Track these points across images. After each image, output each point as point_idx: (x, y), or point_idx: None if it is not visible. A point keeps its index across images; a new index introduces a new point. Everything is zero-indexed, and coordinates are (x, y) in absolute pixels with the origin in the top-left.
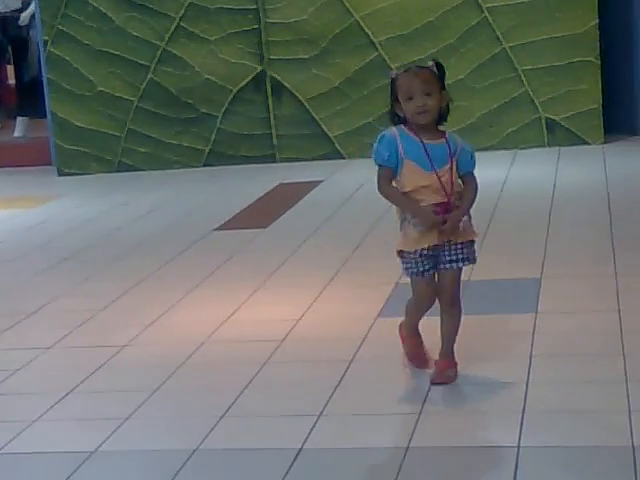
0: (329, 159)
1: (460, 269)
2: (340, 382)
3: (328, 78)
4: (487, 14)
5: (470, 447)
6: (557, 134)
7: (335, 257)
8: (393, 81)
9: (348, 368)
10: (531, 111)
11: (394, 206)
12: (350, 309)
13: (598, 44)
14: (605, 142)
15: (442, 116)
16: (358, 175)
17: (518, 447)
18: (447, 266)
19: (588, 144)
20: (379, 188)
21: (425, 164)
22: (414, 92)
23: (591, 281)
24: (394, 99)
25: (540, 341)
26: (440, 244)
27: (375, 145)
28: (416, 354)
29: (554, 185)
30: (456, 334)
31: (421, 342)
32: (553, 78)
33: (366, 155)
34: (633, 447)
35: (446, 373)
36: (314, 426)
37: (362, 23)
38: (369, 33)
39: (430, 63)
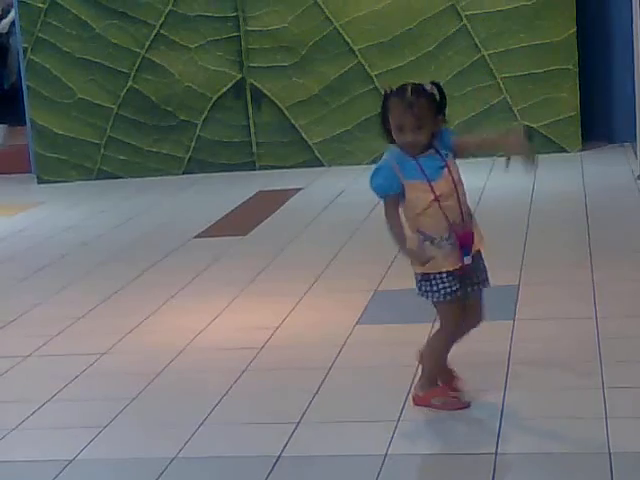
0: (309, 166)
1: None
2: (319, 389)
3: (308, 86)
4: (466, 22)
5: (448, 454)
6: (535, 141)
7: (314, 265)
8: (386, 97)
9: (327, 375)
10: (509, 118)
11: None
12: (329, 316)
13: (576, 52)
14: (583, 149)
15: (435, 136)
16: (337, 182)
17: (496, 454)
18: (475, 288)
19: (566, 151)
20: (386, 216)
21: (424, 178)
22: (405, 125)
23: (568, 288)
24: (386, 117)
25: (518, 348)
26: (466, 267)
27: (372, 179)
28: (455, 397)
29: (532, 192)
30: None
31: (453, 377)
32: (531, 86)
33: (345, 162)
34: (610, 453)
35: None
36: (293, 433)
37: (342, 31)
38: (349, 41)
39: (429, 87)
